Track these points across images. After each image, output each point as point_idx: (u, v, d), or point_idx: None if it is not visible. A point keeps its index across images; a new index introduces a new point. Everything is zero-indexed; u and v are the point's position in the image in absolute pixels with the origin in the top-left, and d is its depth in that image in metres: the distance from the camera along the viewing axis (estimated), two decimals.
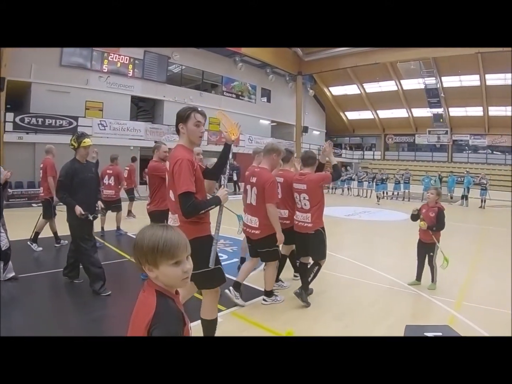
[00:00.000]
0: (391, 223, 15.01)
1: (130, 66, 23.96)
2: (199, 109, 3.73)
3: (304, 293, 5.65)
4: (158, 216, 6.15)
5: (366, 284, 6.78)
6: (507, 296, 6.24)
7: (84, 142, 5.86)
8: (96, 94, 22.20)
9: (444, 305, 5.79)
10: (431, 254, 6.32)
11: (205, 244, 3.62)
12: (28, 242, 8.33)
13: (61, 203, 6.35)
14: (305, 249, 5.84)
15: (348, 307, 5.65)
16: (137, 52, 24.04)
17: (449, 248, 9.67)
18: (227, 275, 4.02)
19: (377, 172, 26.23)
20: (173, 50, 25.96)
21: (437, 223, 6.20)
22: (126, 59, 23.66)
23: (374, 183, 25.14)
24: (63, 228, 7.98)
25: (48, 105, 19.27)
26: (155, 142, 8.01)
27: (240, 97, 31.95)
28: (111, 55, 22.87)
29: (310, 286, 5.83)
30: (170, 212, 3.84)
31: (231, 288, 5.56)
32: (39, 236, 8.43)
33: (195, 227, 3.54)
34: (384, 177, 25.26)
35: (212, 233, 3.75)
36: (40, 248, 8.27)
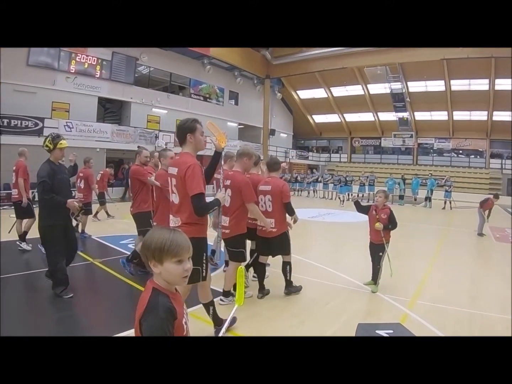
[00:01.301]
0: (353, 224, 15.23)
1: (98, 67, 23.73)
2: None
3: (291, 289, 6.19)
4: (140, 218, 6.34)
5: (323, 284, 7.03)
6: (462, 295, 6.59)
7: (61, 143, 5.83)
8: (63, 95, 21.90)
9: (398, 303, 6.04)
10: (380, 254, 6.55)
11: (200, 244, 4.00)
12: (17, 242, 8.52)
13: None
14: (267, 250, 6.13)
15: (304, 306, 5.86)
16: (105, 53, 23.86)
17: (409, 248, 10.12)
18: None
19: (341, 174, 26.65)
20: (141, 52, 25.84)
21: (391, 223, 6.47)
22: (94, 60, 23.43)
23: (338, 185, 25.56)
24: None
25: (14, 106, 18.82)
26: (138, 147, 8.18)
27: (208, 100, 31.96)
28: (79, 56, 22.61)
29: (266, 286, 6.21)
30: (171, 214, 4.18)
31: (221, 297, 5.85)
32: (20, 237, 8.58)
33: (195, 228, 3.92)
34: (348, 179, 25.73)
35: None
36: (29, 247, 8.47)
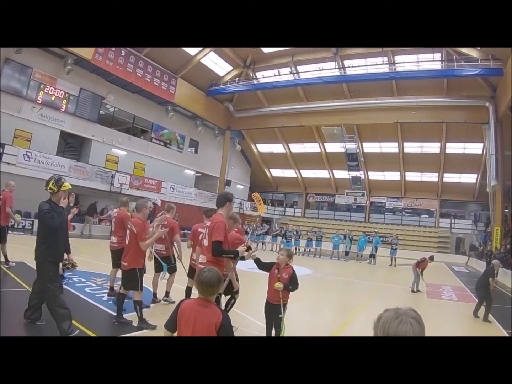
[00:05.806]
0: None
1: (64, 101, 24.00)
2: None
3: None
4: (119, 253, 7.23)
5: (240, 331, 7.01)
6: None
7: (64, 186, 5.77)
8: (26, 123, 21.97)
9: None
10: (280, 316, 6.05)
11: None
12: (4, 266, 9.18)
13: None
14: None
15: None
16: (73, 88, 24.33)
17: (337, 302, 10.71)
18: None
19: (287, 229, 27.45)
20: (108, 91, 26.43)
21: (291, 283, 6.08)
22: (62, 93, 23.75)
23: (285, 239, 26.10)
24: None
25: None
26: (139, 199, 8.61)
27: (168, 146, 32.47)
28: (48, 87, 22.93)
29: None
30: (201, 254, 5.71)
31: None
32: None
33: (216, 264, 5.05)
34: (298, 234, 26.58)
35: None
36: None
